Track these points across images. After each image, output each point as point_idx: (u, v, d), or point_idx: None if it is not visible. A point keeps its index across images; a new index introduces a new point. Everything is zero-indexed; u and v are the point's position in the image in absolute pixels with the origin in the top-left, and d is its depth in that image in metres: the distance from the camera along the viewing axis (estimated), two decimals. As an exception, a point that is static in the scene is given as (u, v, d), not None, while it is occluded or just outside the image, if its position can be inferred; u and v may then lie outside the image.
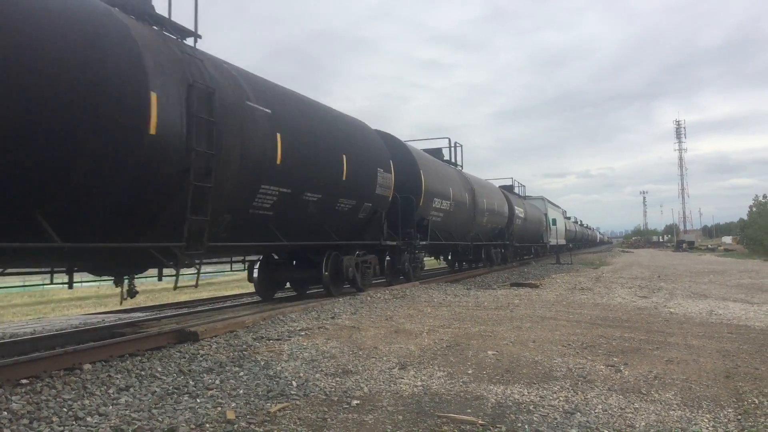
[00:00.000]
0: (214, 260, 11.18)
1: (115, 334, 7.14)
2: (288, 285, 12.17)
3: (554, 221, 38.62)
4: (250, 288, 12.31)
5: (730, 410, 4.38)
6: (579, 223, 73.61)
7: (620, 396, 4.71)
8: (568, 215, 59.24)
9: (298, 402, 4.46)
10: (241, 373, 5.25)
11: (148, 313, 10.12)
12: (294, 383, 4.95)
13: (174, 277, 7.15)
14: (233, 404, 4.37)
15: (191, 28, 7.42)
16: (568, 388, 4.90)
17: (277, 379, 5.05)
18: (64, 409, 4.15)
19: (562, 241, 44.95)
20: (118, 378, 5.00)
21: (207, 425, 3.90)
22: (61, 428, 3.81)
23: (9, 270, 6.70)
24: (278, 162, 8.34)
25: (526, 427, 3.97)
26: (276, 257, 11.33)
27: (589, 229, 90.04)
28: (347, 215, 10.96)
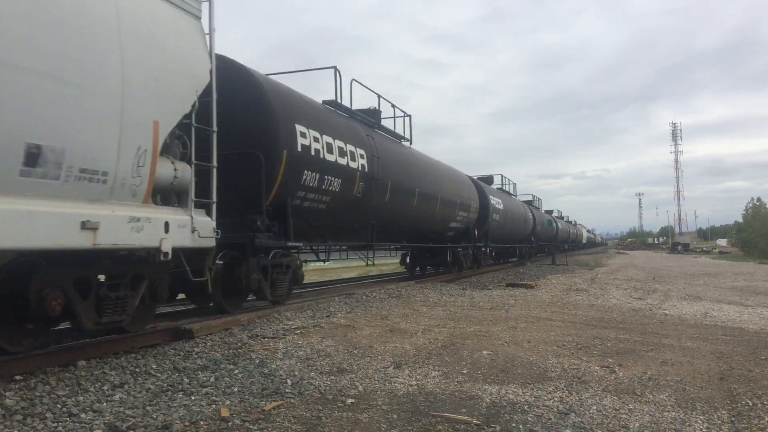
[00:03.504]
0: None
1: (110, 331, 7.10)
2: None
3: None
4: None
5: (723, 412, 4.40)
6: (537, 205, 38.20)
7: (614, 397, 4.72)
8: (510, 189, 28.36)
9: (292, 400, 4.46)
10: (236, 371, 5.24)
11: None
12: (289, 381, 4.94)
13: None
14: (227, 402, 4.37)
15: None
16: (563, 389, 4.91)
17: (272, 378, 5.05)
18: (58, 406, 4.14)
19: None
20: (112, 375, 4.98)
21: (201, 423, 3.89)
22: (55, 424, 3.80)
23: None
24: None
25: (521, 427, 3.98)
26: None
27: (567, 222, 58.97)
28: None
